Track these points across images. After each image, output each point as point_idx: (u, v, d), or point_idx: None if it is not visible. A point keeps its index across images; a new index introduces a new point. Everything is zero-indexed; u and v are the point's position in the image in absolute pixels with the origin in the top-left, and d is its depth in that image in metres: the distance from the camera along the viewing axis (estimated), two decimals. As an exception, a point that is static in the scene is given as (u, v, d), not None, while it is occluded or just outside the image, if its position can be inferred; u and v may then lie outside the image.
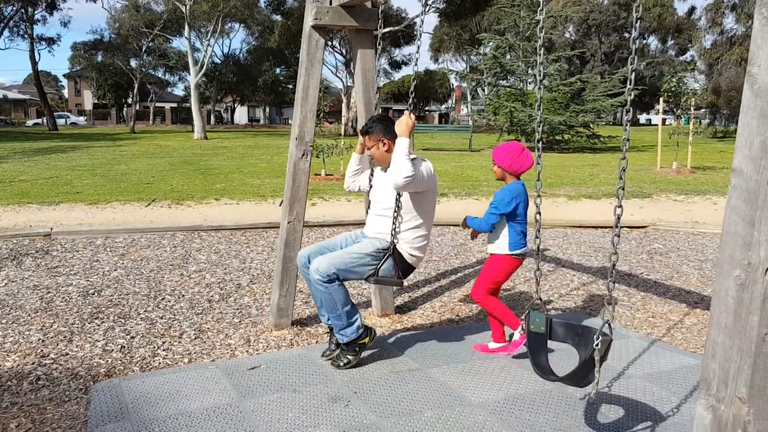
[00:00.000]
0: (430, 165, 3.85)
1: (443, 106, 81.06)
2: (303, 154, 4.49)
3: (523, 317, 2.82)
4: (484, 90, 33.47)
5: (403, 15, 41.52)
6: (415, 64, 4.01)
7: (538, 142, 2.90)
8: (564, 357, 3.77)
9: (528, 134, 25.46)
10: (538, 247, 2.88)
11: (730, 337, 1.61)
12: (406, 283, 5.80)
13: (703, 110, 39.17)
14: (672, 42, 61.36)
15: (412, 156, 3.78)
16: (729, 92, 35.77)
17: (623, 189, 2.41)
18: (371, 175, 4.15)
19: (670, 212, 10.08)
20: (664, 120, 22.99)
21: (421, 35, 3.91)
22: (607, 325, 2.45)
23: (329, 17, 4.39)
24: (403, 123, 3.68)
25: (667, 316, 4.98)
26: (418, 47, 3.94)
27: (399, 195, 3.72)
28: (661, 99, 17.52)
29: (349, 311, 3.72)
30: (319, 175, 13.63)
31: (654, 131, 26.00)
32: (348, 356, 3.76)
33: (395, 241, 3.76)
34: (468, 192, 11.52)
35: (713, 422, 1.65)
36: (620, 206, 2.41)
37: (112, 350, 4.09)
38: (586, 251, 7.37)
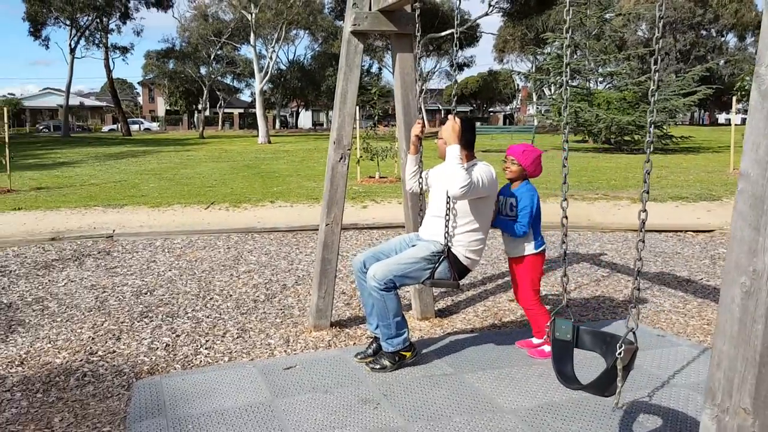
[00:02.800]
0: (491, 170, 3.77)
1: (508, 107, 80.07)
2: (341, 158, 4.53)
3: (548, 324, 2.76)
4: (550, 90, 32.84)
5: (466, 17, 41.25)
6: (454, 69, 3.98)
7: (565, 141, 2.84)
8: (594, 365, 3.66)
9: (594, 135, 24.84)
10: (565, 252, 2.81)
11: (734, 346, 1.54)
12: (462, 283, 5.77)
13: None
14: (752, 39, 58.55)
15: (473, 162, 3.75)
16: None
17: (647, 192, 2.34)
18: (427, 176, 4.14)
19: (738, 215, 9.61)
20: (743, 120, 21.98)
21: (457, 31, 3.85)
22: (631, 332, 2.36)
23: (368, 23, 4.42)
24: (449, 128, 3.59)
25: (721, 325, 4.76)
26: (456, 46, 3.91)
27: (449, 197, 3.68)
28: (734, 98, 16.76)
29: (400, 322, 3.74)
30: (373, 177, 13.72)
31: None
32: (386, 362, 3.77)
33: (450, 243, 3.74)
34: (524, 195, 11.33)
35: (718, 435, 1.57)
36: (644, 210, 2.34)
37: (157, 348, 4.24)
38: (645, 256, 7.11)
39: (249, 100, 72.89)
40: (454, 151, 3.53)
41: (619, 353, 2.34)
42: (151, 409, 3.32)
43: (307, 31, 50.23)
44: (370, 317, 3.88)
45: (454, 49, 3.82)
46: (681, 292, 5.63)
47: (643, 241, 2.42)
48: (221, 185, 13.30)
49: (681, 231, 8.55)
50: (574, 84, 27.56)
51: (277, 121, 66.18)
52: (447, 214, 3.71)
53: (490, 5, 35.88)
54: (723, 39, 59.00)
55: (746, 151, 1.56)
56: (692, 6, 53.70)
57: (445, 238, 3.73)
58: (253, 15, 34.81)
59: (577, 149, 25.80)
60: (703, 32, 56.96)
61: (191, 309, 5.09)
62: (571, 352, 2.69)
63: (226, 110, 66.93)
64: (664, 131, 24.94)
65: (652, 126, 2.28)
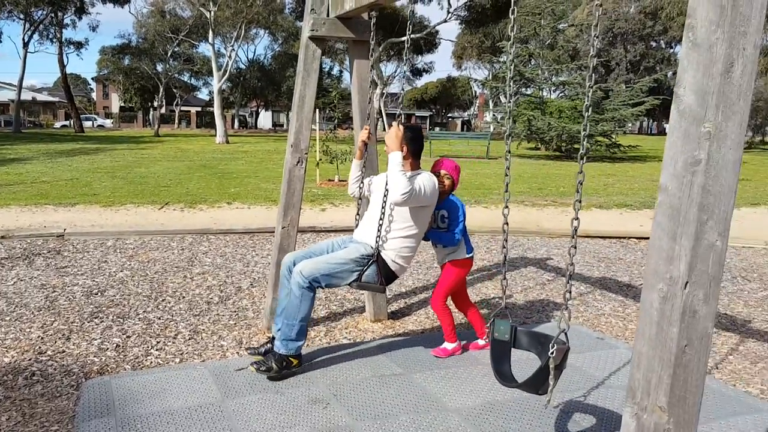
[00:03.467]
0: (435, 180, 3.83)
1: (466, 113, 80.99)
2: (298, 162, 4.60)
3: (488, 324, 2.88)
4: (506, 97, 33.42)
5: (426, 23, 41.64)
6: (404, 76, 4.09)
7: (507, 152, 2.97)
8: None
9: (546, 142, 25.39)
10: (506, 257, 2.94)
11: (652, 348, 1.67)
12: (415, 286, 5.88)
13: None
14: (699, 51, 60.53)
15: (417, 172, 3.84)
16: (756, 102, 35.29)
17: (580, 202, 2.48)
18: (370, 182, 4.20)
19: (681, 224, 10.00)
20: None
21: (410, 29, 3.98)
22: (563, 333, 2.50)
23: (326, 28, 4.50)
24: (393, 135, 3.63)
25: (659, 328, 4.99)
26: (408, 47, 4.03)
27: (385, 202, 3.74)
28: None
29: (303, 328, 3.74)
30: (333, 180, 13.77)
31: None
32: (274, 365, 3.70)
33: (381, 248, 3.79)
34: (477, 200, 11.56)
35: (637, 430, 1.70)
36: (577, 218, 2.48)
37: (107, 349, 4.22)
38: (589, 261, 7.37)
39: (207, 98, 71.90)
40: (396, 158, 3.58)
41: (552, 353, 2.47)
42: (99, 409, 3.32)
43: (267, 31, 49.89)
44: (278, 317, 3.79)
45: (406, 56, 3.94)
46: (621, 297, 5.86)
47: (575, 247, 2.56)
48: (176, 185, 13.15)
49: (624, 237, 8.87)
50: (527, 93, 28.14)
51: (236, 120, 65.48)
52: (381, 219, 3.75)
53: (448, 12, 36.31)
54: (671, 51, 60.91)
55: (665, 165, 1.70)
56: (642, 18, 55.28)
57: (377, 242, 3.76)
58: (212, 13, 34.43)
59: (529, 156, 26.34)
60: (653, 44, 58.66)
61: (143, 310, 5.07)
62: (509, 352, 2.82)
63: (183, 108, 65.84)
64: (613, 140, 25.69)
65: (585, 140, 2.42)
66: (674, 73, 54.33)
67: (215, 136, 35.83)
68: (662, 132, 67.18)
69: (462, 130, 71.68)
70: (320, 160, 14.19)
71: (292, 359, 3.74)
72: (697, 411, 1.67)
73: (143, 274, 6.21)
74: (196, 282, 5.96)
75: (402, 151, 3.65)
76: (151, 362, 4.04)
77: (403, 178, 3.51)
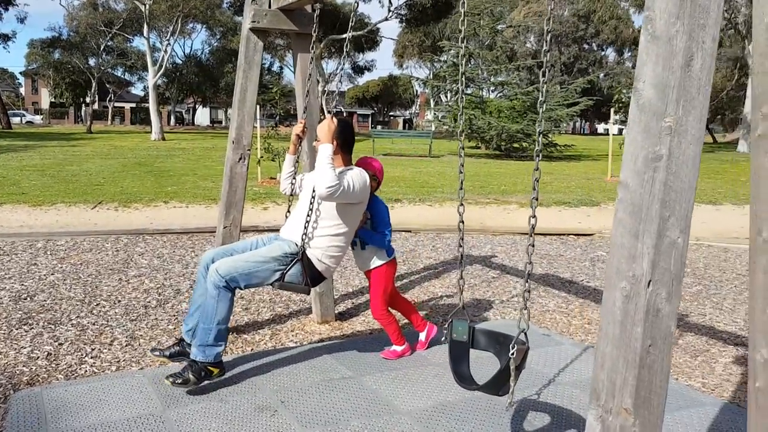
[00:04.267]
0: (366, 177, 3.65)
1: (408, 111, 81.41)
2: (240, 158, 4.44)
3: (446, 326, 2.82)
4: (446, 96, 33.76)
5: (366, 20, 41.56)
6: (341, 69, 4.00)
7: (461, 148, 2.92)
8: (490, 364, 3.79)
9: (486, 141, 25.73)
10: (462, 256, 2.89)
11: (616, 348, 1.64)
12: (363, 285, 5.79)
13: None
14: (629, 54, 62.76)
15: (349, 167, 3.72)
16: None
17: (537, 199, 2.45)
18: (302, 178, 4.05)
19: (618, 220, 10.27)
20: (620, 131, 23.50)
21: (353, 21, 3.89)
22: (523, 333, 2.46)
23: (267, 20, 4.36)
24: (324, 127, 3.50)
25: (602, 324, 5.07)
26: (347, 44, 3.93)
27: (313, 198, 3.58)
28: (612, 110, 17.91)
29: (222, 332, 3.45)
30: (275, 178, 13.53)
31: (608, 141, 26.39)
32: (191, 376, 3.38)
33: (306, 246, 3.59)
34: (422, 198, 11.57)
35: (601, 432, 1.67)
36: (534, 216, 2.45)
37: (38, 357, 3.97)
38: (532, 258, 7.45)
39: (141, 94, 69.82)
40: (326, 150, 3.43)
41: (512, 353, 2.43)
42: (30, 423, 3.10)
43: (204, 26, 48.77)
44: (189, 317, 3.60)
45: (345, 52, 3.84)
46: (564, 293, 5.94)
47: (533, 245, 2.53)
48: (110, 183, 12.65)
49: (564, 234, 9.04)
50: (468, 92, 28.47)
51: (172, 117, 63.76)
52: (308, 215, 3.57)
53: (389, 11, 36.34)
54: (603, 53, 62.87)
55: (625, 161, 1.67)
56: (576, 21, 56.84)
57: (302, 239, 3.57)
58: (147, 6, 33.37)
59: (470, 155, 26.64)
60: (585, 46, 60.39)
61: (75, 315, 4.80)
62: (467, 352, 2.76)
63: (117, 104, 63.69)
64: (549, 139, 26.27)
65: (540, 135, 2.39)
66: (606, 75, 56.20)
67: (150, 132, 34.74)
68: (594, 132, 69.29)
69: (404, 128, 71.97)
70: (261, 157, 13.92)
71: (211, 368, 3.44)
72: (661, 412, 1.64)
73: (76, 277, 5.90)
74: (132, 285, 5.71)
75: (333, 144, 3.50)
76: (86, 371, 3.81)
77: (330, 172, 3.35)
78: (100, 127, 49.16)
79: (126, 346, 4.24)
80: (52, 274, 5.99)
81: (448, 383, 3.71)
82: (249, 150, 4.49)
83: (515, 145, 25.66)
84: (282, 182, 4.08)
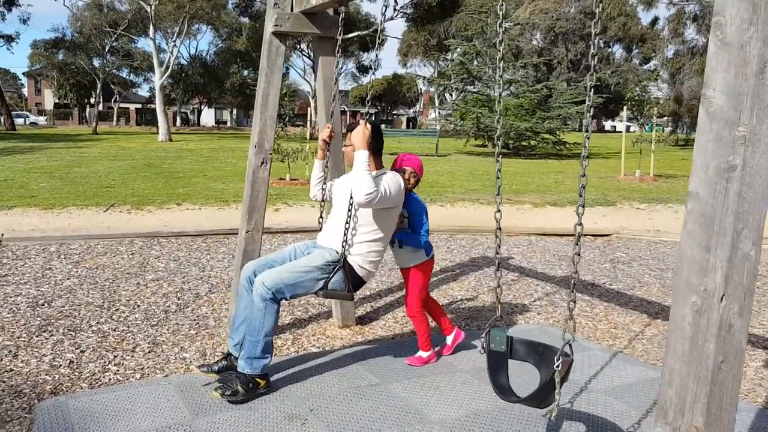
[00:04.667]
0: (400, 180, 3.66)
1: (411, 110, 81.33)
2: (262, 162, 4.39)
3: (483, 335, 2.76)
4: (451, 95, 33.67)
5: (372, 20, 41.53)
6: (373, 72, 3.95)
7: (499, 155, 2.86)
8: (523, 373, 3.73)
9: (494, 140, 25.66)
10: (499, 263, 2.82)
11: (686, 364, 1.58)
12: (380, 289, 5.74)
13: (665, 118, 40.00)
14: (637, 51, 62.54)
15: (382, 171, 3.69)
16: (690, 101, 36.53)
17: (583, 207, 2.38)
18: (332, 184, 4.03)
19: (633, 220, 10.20)
20: (628, 127, 23.40)
21: (381, 40, 3.84)
22: (567, 345, 2.40)
23: (290, 24, 4.31)
24: (359, 133, 3.48)
25: (628, 327, 5.00)
26: (377, 56, 3.88)
27: (351, 205, 3.57)
28: (625, 107, 17.81)
29: (269, 344, 3.48)
30: (284, 179, 13.49)
31: (618, 138, 26.31)
32: (239, 387, 3.38)
33: (347, 253, 3.60)
34: (433, 198, 11.50)
35: (670, 452, 1.61)
36: (580, 224, 2.38)
37: (60, 365, 3.92)
38: (550, 260, 7.39)
39: (147, 95, 69.97)
40: (362, 156, 3.43)
41: (557, 366, 2.36)
42: (57, 435, 3.05)
43: (210, 27, 48.76)
44: (236, 331, 3.59)
45: (377, 50, 3.78)
46: (587, 296, 5.87)
47: (579, 255, 2.46)
48: (120, 185, 12.61)
49: (581, 235, 8.95)
50: (474, 90, 28.37)
51: (178, 118, 63.83)
52: (347, 222, 3.57)
53: (395, 10, 36.29)
54: (610, 50, 62.64)
55: (695, 171, 1.60)
56: (583, 17, 56.62)
57: (343, 246, 3.58)
58: (153, 7, 33.37)
59: (478, 153, 26.58)
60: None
61: (95, 321, 4.76)
62: (506, 363, 2.70)
63: (122, 105, 63.79)
64: (558, 137, 26.17)
65: (588, 139, 2.32)
66: (613, 72, 55.97)
67: (157, 133, 34.77)
68: (601, 129, 69.07)
69: (407, 127, 71.92)
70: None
71: (258, 380, 3.45)
72: (731, 430, 1.58)
73: (92, 281, 5.86)
74: (150, 289, 5.66)
75: (368, 150, 3.50)
76: (110, 379, 3.77)
77: (368, 178, 3.37)
78: (106, 128, 49.21)
79: (149, 352, 4.18)
80: (68, 279, 5.95)
81: (477, 391, 3.65)
82: (271, 154, 4.44)
83: (524, 143, 25.55)
84: (312, 188, 4.05)
